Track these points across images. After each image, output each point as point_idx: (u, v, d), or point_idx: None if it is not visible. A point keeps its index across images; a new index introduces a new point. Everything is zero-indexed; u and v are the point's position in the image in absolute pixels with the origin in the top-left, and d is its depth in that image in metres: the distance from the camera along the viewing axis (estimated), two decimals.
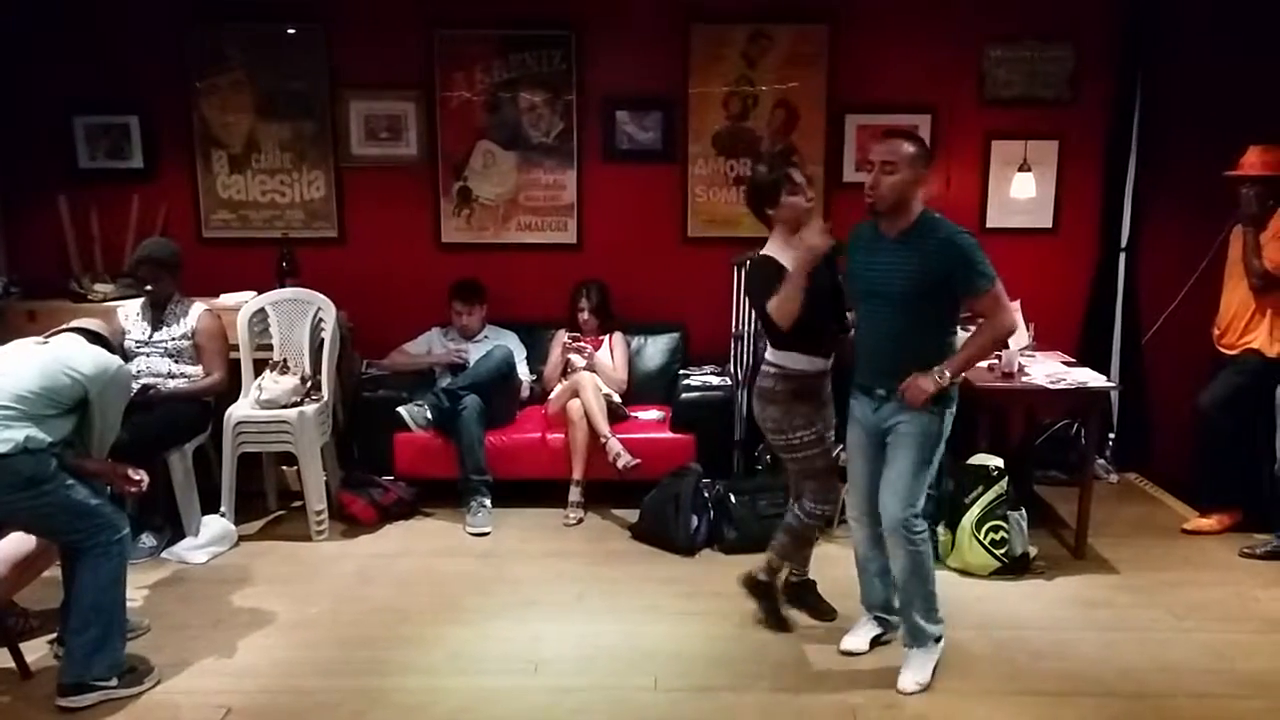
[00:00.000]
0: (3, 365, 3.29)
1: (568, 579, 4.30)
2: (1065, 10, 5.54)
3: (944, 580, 4.25)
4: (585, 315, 5.42)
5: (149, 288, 4.65)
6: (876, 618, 3.75)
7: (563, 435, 5.06)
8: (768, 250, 3.65)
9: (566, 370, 5.33)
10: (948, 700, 3.36)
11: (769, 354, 3.68)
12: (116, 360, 3.48)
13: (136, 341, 4.59)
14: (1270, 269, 4.48)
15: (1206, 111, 5.19)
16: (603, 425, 4.95)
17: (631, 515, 4.89)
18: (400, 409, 4.95)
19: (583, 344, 5.32)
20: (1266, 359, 4.58)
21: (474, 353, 5.31)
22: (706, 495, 4.69)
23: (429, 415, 4.95)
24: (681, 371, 5.47)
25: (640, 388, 5.50)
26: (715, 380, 5.33)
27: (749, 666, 3.59)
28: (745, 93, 5.64)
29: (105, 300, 5.15)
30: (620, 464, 4.87)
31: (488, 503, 4.94)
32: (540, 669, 3.55)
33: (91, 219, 5.55)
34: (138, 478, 3.48)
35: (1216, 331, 4.84)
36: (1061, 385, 4.55)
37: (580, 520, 4.96)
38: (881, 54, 5.57)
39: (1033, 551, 4.41)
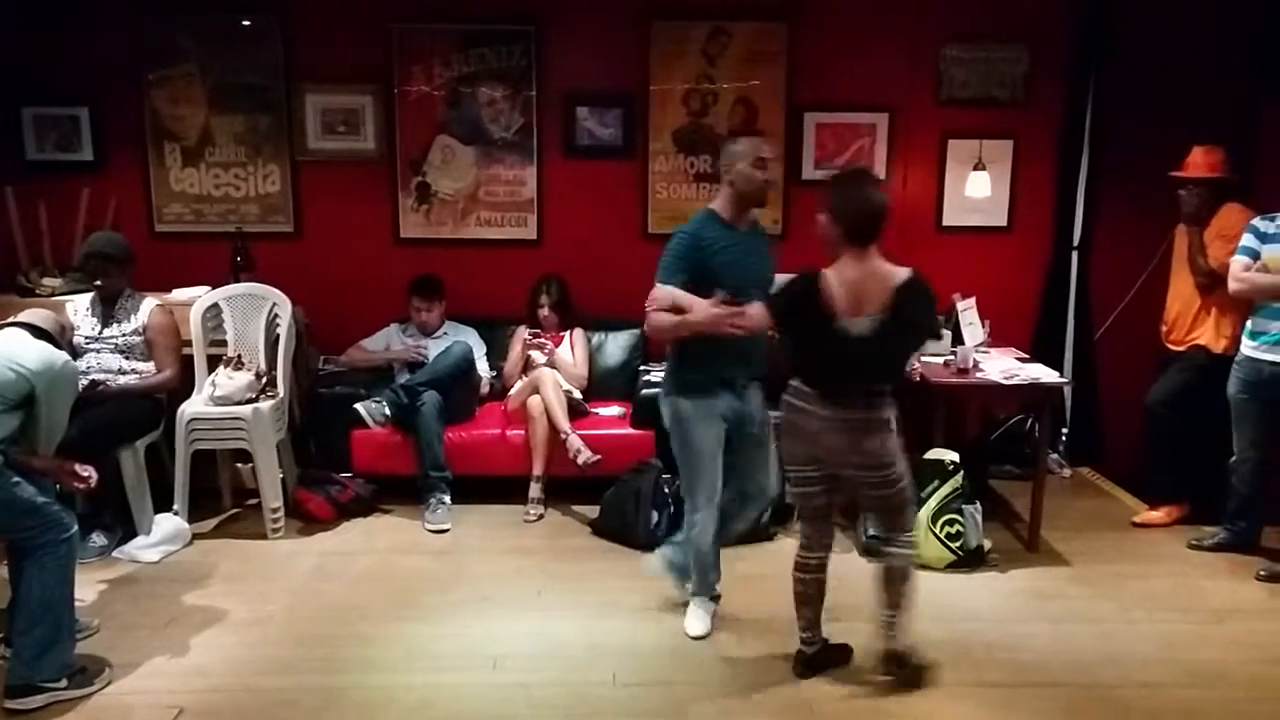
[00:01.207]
0: None
1: (527, 575, 4.29)
2: (1020, 12, 5.61)
3: None
4: (545, 311, 5.40)
5: (99, 283, 4.57)
6: (714, 596, 3.91)
7: (523, 431, 5.05)
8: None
9: (527, 366, 5.31)
10: (905, 691, 3.39)
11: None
12: (63, 356, 3.41)
13: (86, 337, 4.51)
14: (1215, 268, 4.57)
15: (1156, 112, 5.27)
16: (563, 421, 4.94)
17: (592, 511, 4.89)
18: (358, 405, 4.91)
19: (543, 340, 5.31)
20: (1213, 355, 4.67)
21: (433, 349, 5.28)
22: (666, 491, 4.69)
23: (387, 411, 4.92)
24: (642, 368, 5.47)
25: (601, 384, 5.49)
26: None
27: (706, 662, 3.60)
28: (705, 90, 5.66)
29: (54, 295, 5.05)
30: (580, 460, 4.87)
31: (447, 499, 4.92)
32: (499, 665, 3.54)
33: (40, 212, 5.45)
34: (86, 475, 3.43)
35: (1164, 328, 4.93)
36: (1015, 381, 4.61)
37: (540, 516, 4.96)
38: (840, 53, 5.61)
39: (987, 545, 4.46)
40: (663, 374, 3.81)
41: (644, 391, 5.15)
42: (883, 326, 3.20)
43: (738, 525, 3.95)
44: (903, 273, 3.27)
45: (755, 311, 3.41)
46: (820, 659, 3.52)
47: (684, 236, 3.58)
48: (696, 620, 3.81)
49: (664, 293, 3.51)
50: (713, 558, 3.84)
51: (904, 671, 3.45)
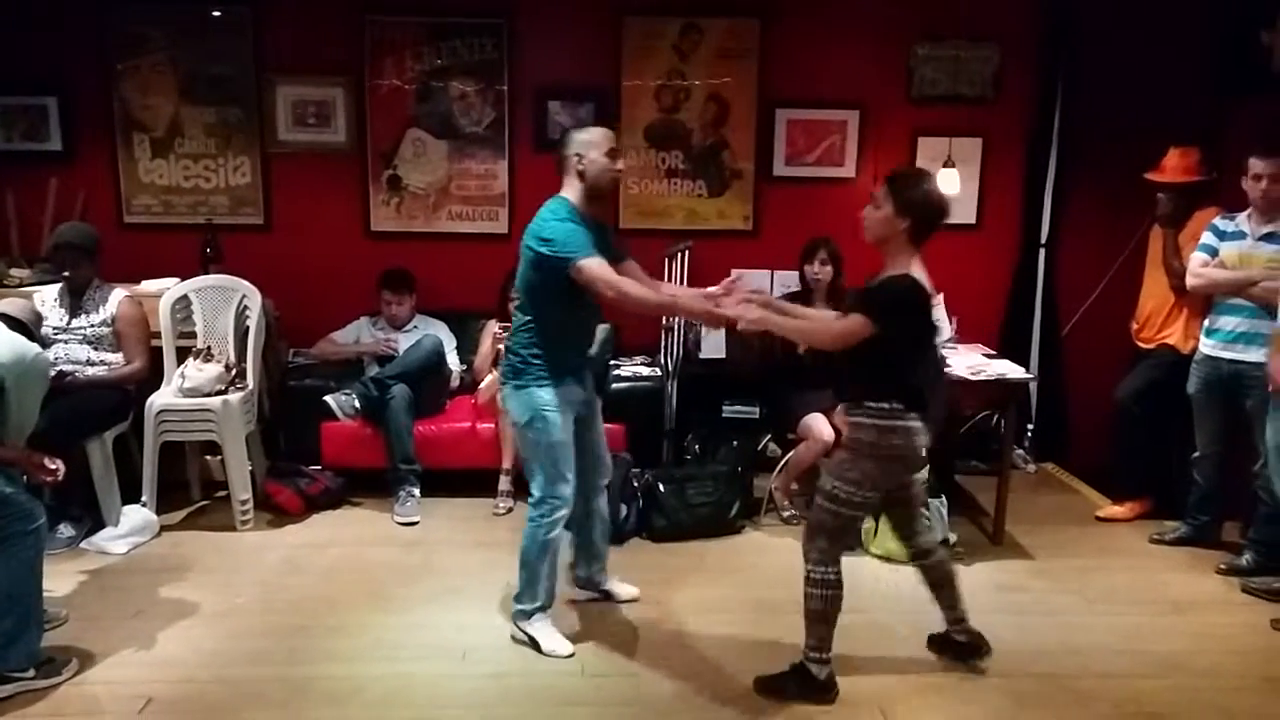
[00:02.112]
0: None
1: (496, 568, 4.28)
2: (990, 10, 5.67)
3: (867, 566, 4.40)
4: (516, 305, 5.39)
5: (67, 273, 4.55)
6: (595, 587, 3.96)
7: (492, 425, 5.06)
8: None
9: (497, 360, 5.30)
10: (869, 680, 3.44)
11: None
12: (34, 348, 3.39)
13: (54, 328, 4.47)
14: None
15: (1124, 111, 5.34)
16: None
17: None
18: (327, 398, 4.89)
19: None
20: (1180, 354, 4.73)
21: (403, 342, 5.28)
22: (636, 484, 4.72)
23: (357, 404, 4.91)
24: (612, 362, 5.48)
25: None
26: (645, 371, 5.38)
27: (674, 651, 3.63)
28: (677, 86, 5.69)
29: (21, 285, 5.00)
30: None
31: (416, 492, 4.92)
32: (468, 656, 3.56)
33: (7, 202, 5.42)
34: (53, 466, 3.41)
35: (1135, 325, 4.99)
36: (982, 377, 4.67)
37: (510, 509, 4.96)
38: (812, 50, 5.65)
39: (952, 538, 4.51)
40: (510, 366, 3.62)
41: (613, 386, 5.17)
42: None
43: (601, 502, 3.92)
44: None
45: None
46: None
47: (568, 223, 3.45)
48: (560, 639, 3.63)
49: (603, 267, 3.40)
50: (556, 561, 3.72)
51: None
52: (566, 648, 3.60)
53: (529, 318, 3.56)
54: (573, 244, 3.39)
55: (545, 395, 3.52)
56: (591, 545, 3.98)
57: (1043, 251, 5.87)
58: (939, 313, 5.05)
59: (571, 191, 3.55)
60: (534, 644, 3.61)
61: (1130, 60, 5.40)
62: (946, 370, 4.69)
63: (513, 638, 3.67)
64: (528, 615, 3.65)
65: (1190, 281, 4.44)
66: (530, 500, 3.61)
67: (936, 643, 3.66)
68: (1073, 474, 5.73)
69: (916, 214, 3.18)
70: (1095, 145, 5.54)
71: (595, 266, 3.37)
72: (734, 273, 3.43)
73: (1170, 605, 4.09)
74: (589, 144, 3.52)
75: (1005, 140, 5.77)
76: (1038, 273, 5.89)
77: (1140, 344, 4.95)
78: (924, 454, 3.32)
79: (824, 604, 3.32)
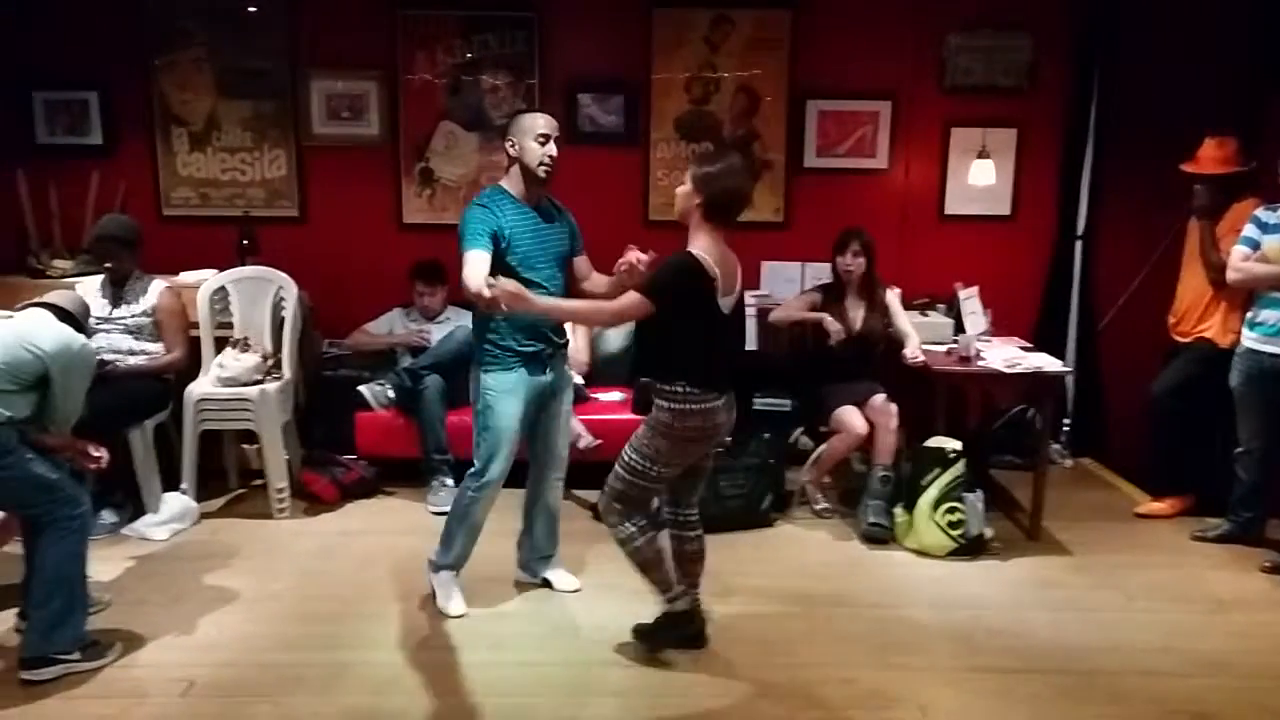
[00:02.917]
0: None
1: None
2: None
3: (901, 560, 4.37)
4: None
5: (108, 265, 4.60)
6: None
7: None
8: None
9: None
10: (906, 676, 3.42)
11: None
12: (80, 339, 3.43)
13: (96, 318, 4.51)
14: (1227, 262, 4.56)
15: (1163, 101, 5.26)
16: None
17: (592, 495, 4.87)
18: (362, 388, 4.94)
19: None
20: (1218, 348, 4.66)
21: (436, 333, 5.30)
22: None
23: (390, 394, 4.95)
24: None
25: (601, 369, 5.52)
26: None
27: (709, 642, 3.61)
28: (707, 77, 5.68)
29: (64, 276, 5.09)
30: (581, 445, 4.89)
31: (449, 482, 4.94)
32: (502, 645, 3.58)
33: (50, 195, 5.49)
34: (98, 454, 3.46)
35: (1172, 319, 4.92)
36: (1017, 370, 4.63)
37: None
38: (843, 40, 5.63)
39: (988, 533, 4.48)
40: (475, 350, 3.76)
41: (644, 377, 5.16)
42: (737, 304, 3.28)
43: (550, 496, 4.00)
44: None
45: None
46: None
47: (478, 209, 3.55)
48: (456, 599, 3.80)
49: (479, 263, 3.41)
50: (477, 534, 3.84)
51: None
52: (458, 609, 3.76)
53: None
54: (466, 232, 3.49)
55: (491, 380, 3.62)
56: (533, 535, 4.07)
57: (1079, 244, 5.82)
58: (973, 304, 5.06)
59: (509, 178, 3.65)
60: (433, 595, 3.82)
61: (1168, 49, 5.33)
62: (982, 364, 4.66)
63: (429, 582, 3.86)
64: (435, 569, 3.84)
65: (1230, 276, 4.39)
66: (469, 470, 3.74)
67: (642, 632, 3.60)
68: (1111, 469, 5.67)
69: (707, 191, 3.18)
70: (1133, 135, 5.47)
71: (468, 259, 3.42)
72: (630, 250, 3.43)
73: (1213, 603, 4.04)
74: (522, 130, 3.58)
75: (1041, 131, 5.72)
76: (1074, 265, 5.84)
77: (1177, 338, 4.89)
78: (725, 429, 3.33)
79: (641, 553, 3.40)
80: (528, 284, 3.37)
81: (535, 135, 3.57)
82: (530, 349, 3.66)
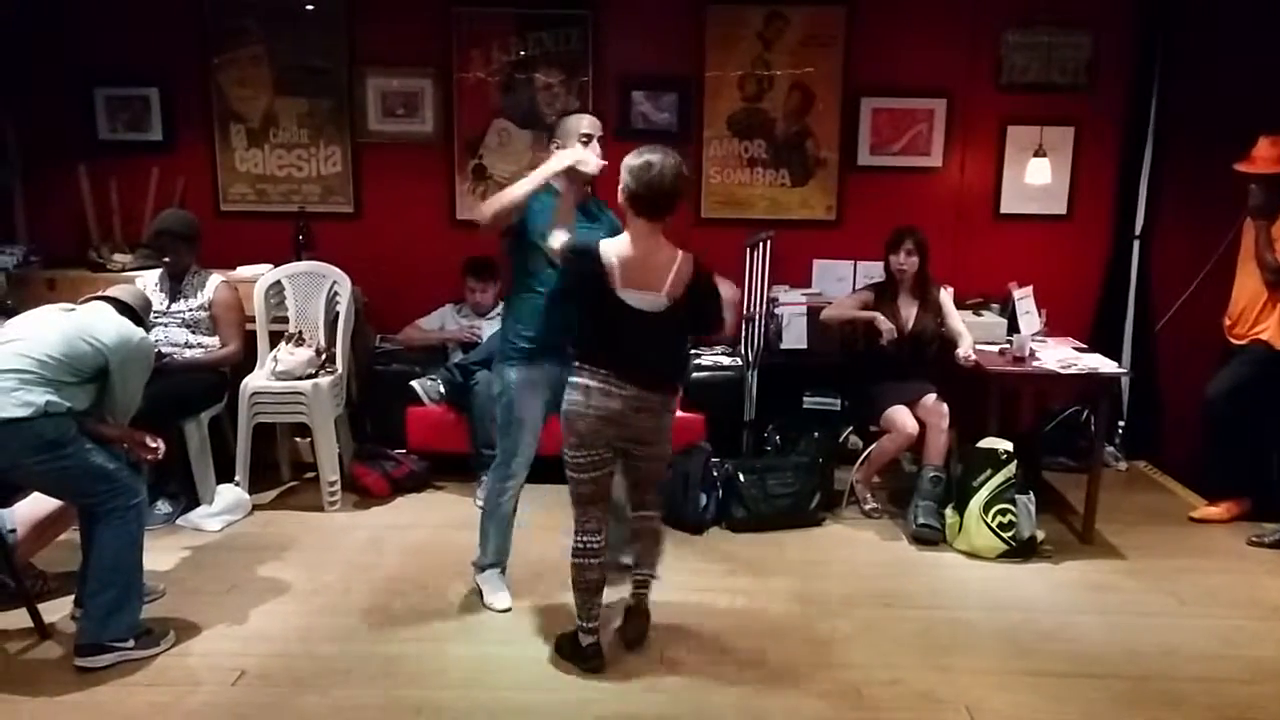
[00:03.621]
0: (27, 329, 3.33)
1: None
2: None
3: (950, 562, 4.33)
4: None
5: (167, 259, 4.70)
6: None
7: None
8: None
9: None
10: (955, 678, 3.39)
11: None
12: (139, 332, 3.50)
13: (155, 312, 4.60)
14: None
15: (1224, 100, 5.17)
16: None
17: None
18: (413, 383, 4.99)
19: None
20: (1274, 350, 4.58)
21: (487, 330, 5.33)
22: (716, 474, 4.71)
23: (441, 389, 4.99)
24: (693, 351, 5.48)
25: None
26: (726, 361, 5.36)
27: (756, 641, 3.62)
28: (761, 75, 5.65)
29: (124, 270, 5.19)
30: None
31: None
32: (551, 638, 3.59)
33: (111, 190, 5.60)
34: (155, 445, 3.52)
35: (1227, 322, 4.84)
36: (1072, 370, 4.57)
37: None
38: (898, 37, 5.58)
39: (1040, 535, 4.43)
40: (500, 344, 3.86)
41: (694, 374, 5.17)
42: (674, 307, 3.23)
43: None
44: (687, 255, 3.28)
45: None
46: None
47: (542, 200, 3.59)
48: (502, 595, 3.85)
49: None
50: (508, 527, 3.88)
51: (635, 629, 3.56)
52: (504, 603, 3.81)
53: (512, 298, 3.75)
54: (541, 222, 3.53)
55: (510, 375, 3.68)
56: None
57: (1137, 243, 5.72)
58: (1027, 304, 4.99)
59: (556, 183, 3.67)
60: (479, 594, 3.86)
61: (1229, 47, 5.22)
62: (1036, 364, 4.60)
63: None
64: (479, 569, 3.90)
65: None
66: (493, 464, 3.82)
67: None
68: (1165, 472, 5.58)
69: (628, 183, 3.21)
70: (1193, 134, 5.37)
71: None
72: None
73: (1269, 609, 3.96)
74: (566, 132, 3.66)
75: (1098, 129, 5.63)
76: (1131, 265, 5.74)
77: (1232, 340, 4.80)
78: (611, 415, 3.27)
79: (572, 572, 3.43)
80: (539, 278, 3.55)
81: (578, 136, 3.63)
82: (551, 341, 3.66)
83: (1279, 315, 4.59)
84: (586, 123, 3.67)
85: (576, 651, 3.43)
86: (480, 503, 4.83)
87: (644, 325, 3.23)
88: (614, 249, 3.24)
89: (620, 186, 3.26)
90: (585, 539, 3.43)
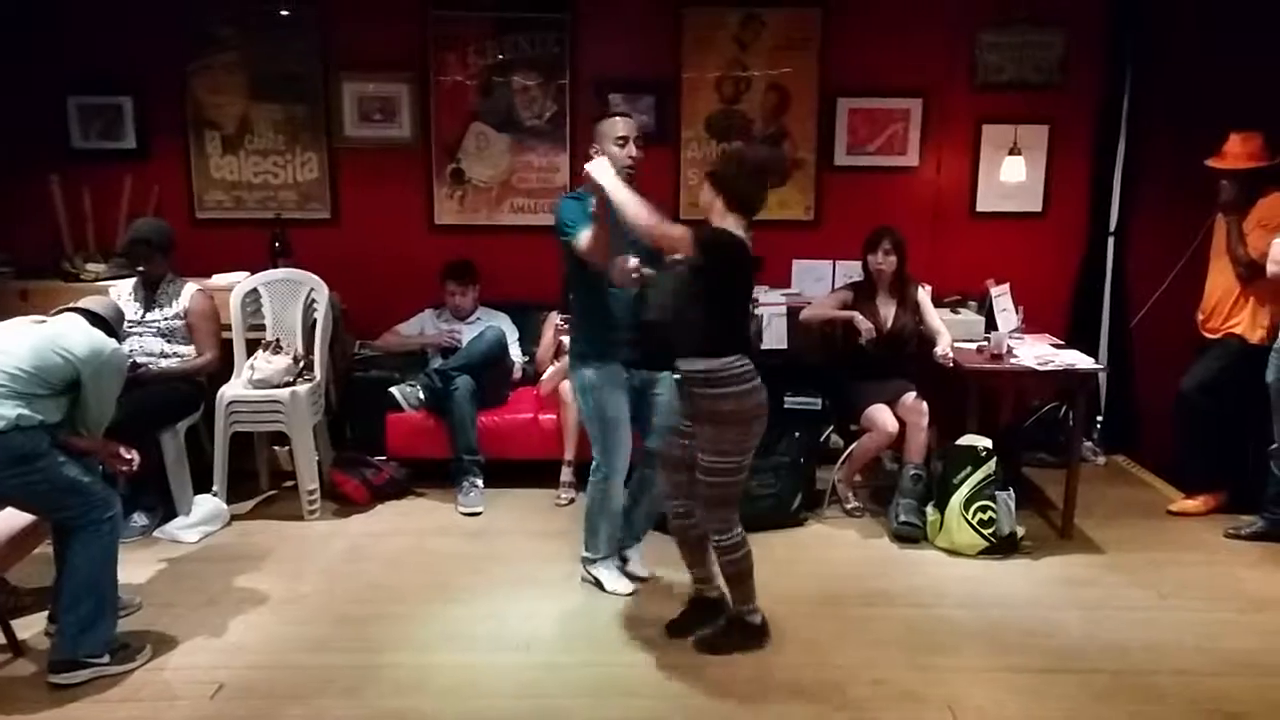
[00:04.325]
0: None
1: (559, 558, 4.32)
2: None
3: (932, 559, 4.34)
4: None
5: (141, 268, 4.66)
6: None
7: (555, 416, 5.08)
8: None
9: (559, 352, 5.33)
10: (937, 676, 3.40)
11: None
12: (111, 343, 3.46)
13: (129, 321, 4.56)
14: (1255, 257, 4.51)
15: (1195, 97, 5.19)
16: None
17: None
18: (392, 389, 4.98)
19: None
20: (1248, 344, 4.62)
21: (466, 334, 5.32)
22: None
23: (421, 395, 4.98)
24: None
25: None
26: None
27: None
28: (738, 76, 5.66)
29: (98, 280, 5.15)
30: None
31: (480, 483, 4.97)
32: (531, 647, 3.58)
33: (84, 199, 5.55)
34: (129, 456, 3.49)
35: (1201, 316, 4.88)
36: (1050, 367, 4.59)
37: (572, 500, 4.98)
38: (873, 38, 5.60)
39: (1020, 531, 4.45)
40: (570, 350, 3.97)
41: (675, 377, 5.15)
42: None
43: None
44: None
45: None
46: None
47: (573, 201, 3.76)
48: (622, 580, 4.00)
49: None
50: (621, 519, 4.01)
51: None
52: (627, 587, 3.96)
53: (574, 301, 3.87)
54: (570, 219, 3.65)
55: (593, 375, 3.77)
56: (633, 516, 4.10)
57: (1111, 240, 5.75)
58: (1004, 301, 5.01)
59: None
60: (598, 584, 3.98)
61: (1201, 43, 5.25)
62: (1013, 361, 4.63)
63: (581, 579, 4.04)
64: (592, 561, 4.01)
65: (1271, 269, 4.32)
66: (593, 466, 3.91)
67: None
68: (1143, 466, 5.61)
69: (725, 190, 3.38)
70: (1166, 131, 5.40)
71: (583, 238, 3.58)
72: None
73: (1247, 602, 3.98)
74: (603, 135, 3.74)
75: (1072, 127, 5.66)
76: (1106, 261, 5.78)
77: (1206, 334, 4.84)
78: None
79: (746, 560, 3.48)
80: (590, 275, 3.67)
81: (615, 139, 3.71)
82: (627, 337, 3.78)
83: (1251, 309, 4.64)
84: (622, 125, 3.73)
85: (745, 631, 3.55)
86: (462, 509, 4.86)
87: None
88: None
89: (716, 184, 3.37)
90: (739, 530, 3.47)
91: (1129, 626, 3.76)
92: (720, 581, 3.62)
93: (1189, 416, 4.79)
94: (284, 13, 5.58)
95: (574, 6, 5.59)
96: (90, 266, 5.30)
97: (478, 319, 5.46)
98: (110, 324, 3.57)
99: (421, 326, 5.49)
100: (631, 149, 3.71)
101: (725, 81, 5.68)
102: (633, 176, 3.69)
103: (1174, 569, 4.26)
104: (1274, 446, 4.46)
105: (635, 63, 5.67)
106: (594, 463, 3.90)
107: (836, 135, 5.70)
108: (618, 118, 3.80)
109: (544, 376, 5.27)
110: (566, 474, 5.03)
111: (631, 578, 4.05)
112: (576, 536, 4.53)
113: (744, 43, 5.63)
